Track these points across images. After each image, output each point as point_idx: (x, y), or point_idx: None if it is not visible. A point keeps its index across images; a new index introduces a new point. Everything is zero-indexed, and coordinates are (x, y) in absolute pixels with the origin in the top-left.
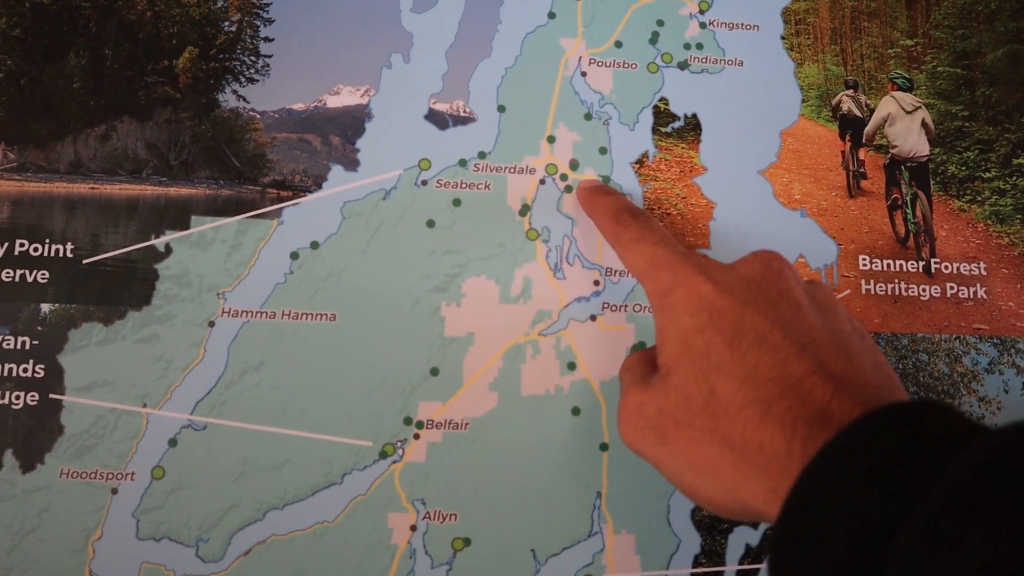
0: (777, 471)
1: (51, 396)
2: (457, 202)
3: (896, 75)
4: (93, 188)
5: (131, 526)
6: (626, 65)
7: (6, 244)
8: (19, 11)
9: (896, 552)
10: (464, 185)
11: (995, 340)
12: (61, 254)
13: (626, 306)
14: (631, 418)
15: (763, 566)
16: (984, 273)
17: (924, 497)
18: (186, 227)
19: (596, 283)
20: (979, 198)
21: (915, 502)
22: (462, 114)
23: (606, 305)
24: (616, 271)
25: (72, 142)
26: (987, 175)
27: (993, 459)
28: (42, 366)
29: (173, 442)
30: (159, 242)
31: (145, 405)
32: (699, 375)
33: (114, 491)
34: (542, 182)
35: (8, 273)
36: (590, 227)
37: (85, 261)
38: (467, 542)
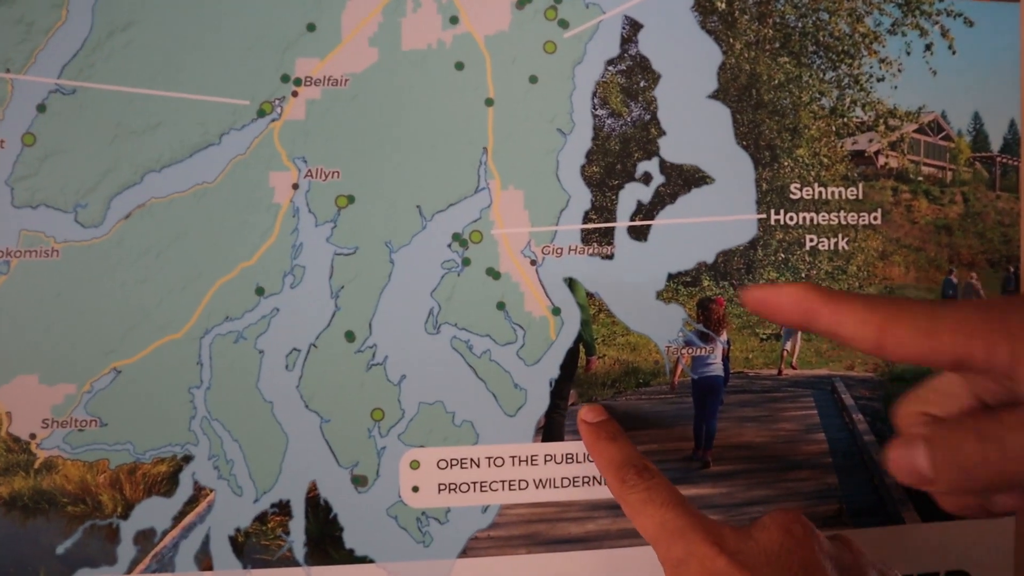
0: None
1: None
2: None
3: None
4: None
5: (5, 194)
6: None
7: None
8: None
9: None
10: None
11: (899, 0)
12: None
13: None
14: None
15: (653, 222)
16: None
17: None
18: None
19: None
20: None
21: None
22: None
23: None
24: None
25: None
26: None
27: None
28: None
29: (42, 108)
30: None
31: (8, 71)
32: None
33: None
34: None
35: None
36: None
37: None
38: (351, 199)
